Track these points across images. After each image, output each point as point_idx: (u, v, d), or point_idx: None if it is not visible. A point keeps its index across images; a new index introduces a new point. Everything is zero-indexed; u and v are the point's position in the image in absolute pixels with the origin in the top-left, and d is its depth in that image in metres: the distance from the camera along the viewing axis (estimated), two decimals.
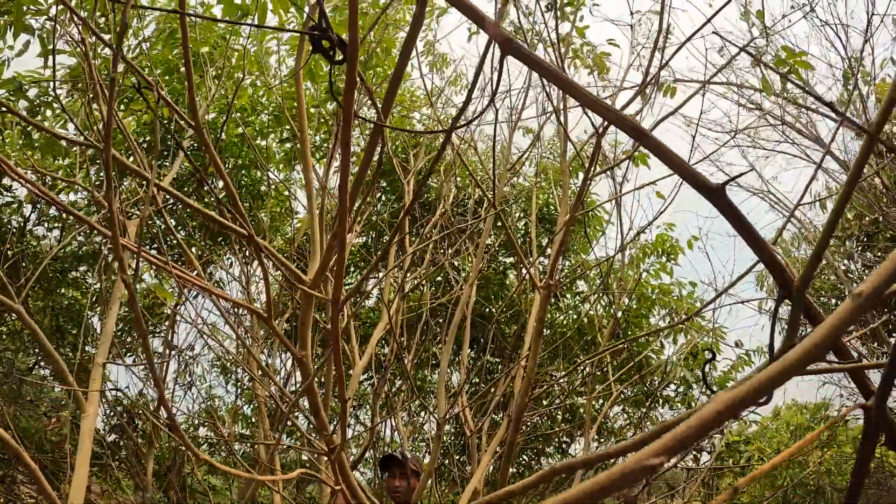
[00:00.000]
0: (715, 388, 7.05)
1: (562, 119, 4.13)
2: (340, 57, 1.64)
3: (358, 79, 1.75)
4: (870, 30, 6.06)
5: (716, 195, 1.07)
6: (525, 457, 7.82)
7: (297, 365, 3.27)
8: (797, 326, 1.12)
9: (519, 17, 4.84)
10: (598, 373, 6.41)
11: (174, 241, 6.79)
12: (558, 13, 5.04)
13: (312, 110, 6.17)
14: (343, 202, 1.79)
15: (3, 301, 3.45)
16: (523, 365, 4.47)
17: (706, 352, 6.38)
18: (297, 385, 6.33)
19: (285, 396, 4.13)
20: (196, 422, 7.32)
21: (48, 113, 5.50)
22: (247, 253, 6.76)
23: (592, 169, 3.69)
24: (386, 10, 5.05)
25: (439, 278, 7.23)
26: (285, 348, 6.47)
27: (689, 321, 5.85)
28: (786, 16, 6.57)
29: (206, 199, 6.60)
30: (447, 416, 4.46)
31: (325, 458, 3.48)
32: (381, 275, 6.29)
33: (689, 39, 3.88)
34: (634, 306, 6.88)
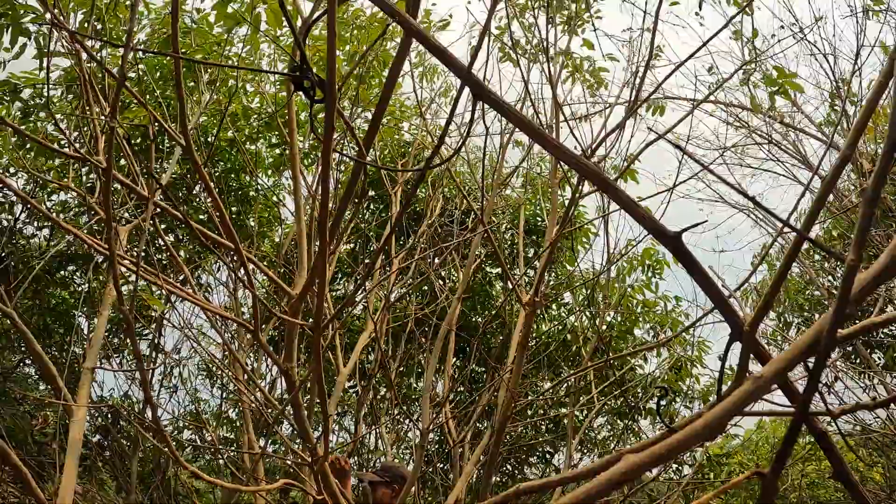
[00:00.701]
0: (689, 408, 7.13)
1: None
2: (321, 96, 1.69)
3: (339, 118, 1.80)
4: (858, 60, 6.15)
5: (672, 242, 1.14)
6: (508, 466, 7.87)
7: (283, 376, 3.31)
8: (746, 369, 1.18)
9: (511, 33, 4.90)
10: (582, 383, 6.47)
11: (163, 246, 6.81)
12: (564, 27, 5.11)
13: (303, 116, 6.19)
14: (323, 240, 1.84)
15: None
16: (507, 379, 4.52)
17: (659, 388, 6.47)
18: (283, 391, 6.36)
19: (270, 403, 4.17)
20: (181, 424, 7.34)
21: (41, 114, 5.52)
22: (234, 258, 6.78)
23: (580, 189, 3.75)
24: (371, 48, 5.09)
25: (425, 288, 7.28)
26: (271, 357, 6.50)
27: (673, 337, 5.92)
28: (776, 36, 6.65)
29: (195, 203, 6.63)
30: (431, 426, 4.50)
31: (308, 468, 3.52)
32: (367, 285, 6.32)
33: (682, 64, 3.95)
34: (619, 320, 6.95)
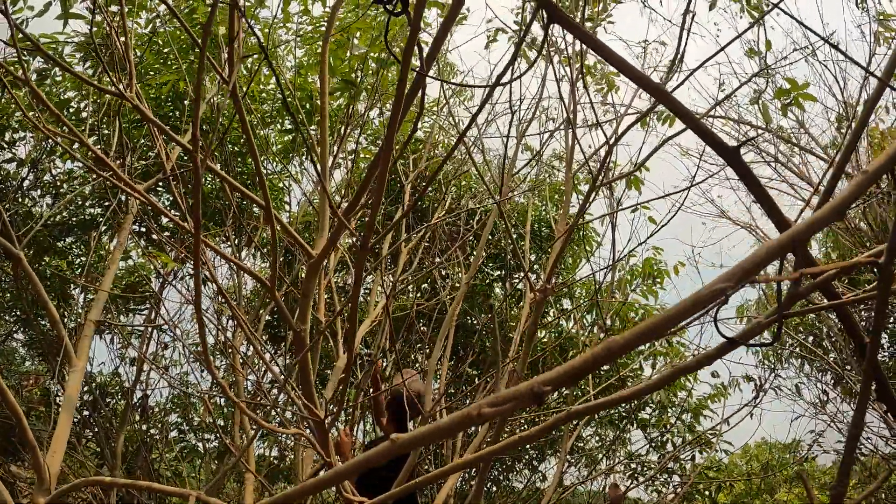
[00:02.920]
0: (682, 420, 7.13)
1: (571, 123, 4.24)
2: (399, 9, 1.71)
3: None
4: (867, 86, 6.27)
5: (731, 155, 1.21)
6: (494, 471, 7.82)
7: (295, 338, 3.30)
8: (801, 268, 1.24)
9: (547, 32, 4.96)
10: (578, 392, 6.47)
11: (166, 222, 6.79)
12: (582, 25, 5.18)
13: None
14: (390, 136, 1.84)
15: (4, 245, 3.45)
16: (513, 367, 4.52)
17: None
18: (283, 371, 6.30)
19: (272, 373, 4.14)
20: (169, 406, 7.26)
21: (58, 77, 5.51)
22: (237, 242, 6.75)
23: (601, 178, 3.79)
24: None
25: (425, 285, 7.28)
26: (283, 321, 6.44)
27: (669, 343, 5.94)
28: (786, 57, 6.78)
29: (208, 180, 6.63)
30: (431, 410, 4.48)
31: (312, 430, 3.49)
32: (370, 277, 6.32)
33: (692, 73, 4.02)
34: (618, 325, 6.96)
